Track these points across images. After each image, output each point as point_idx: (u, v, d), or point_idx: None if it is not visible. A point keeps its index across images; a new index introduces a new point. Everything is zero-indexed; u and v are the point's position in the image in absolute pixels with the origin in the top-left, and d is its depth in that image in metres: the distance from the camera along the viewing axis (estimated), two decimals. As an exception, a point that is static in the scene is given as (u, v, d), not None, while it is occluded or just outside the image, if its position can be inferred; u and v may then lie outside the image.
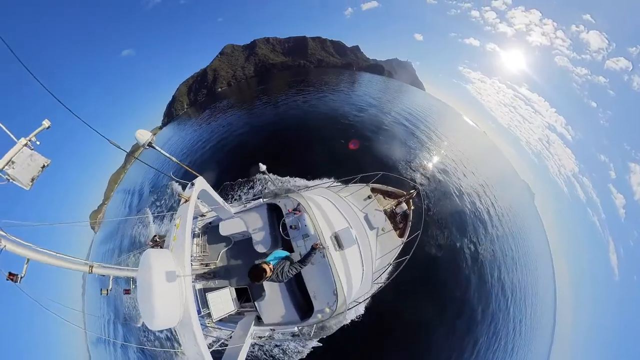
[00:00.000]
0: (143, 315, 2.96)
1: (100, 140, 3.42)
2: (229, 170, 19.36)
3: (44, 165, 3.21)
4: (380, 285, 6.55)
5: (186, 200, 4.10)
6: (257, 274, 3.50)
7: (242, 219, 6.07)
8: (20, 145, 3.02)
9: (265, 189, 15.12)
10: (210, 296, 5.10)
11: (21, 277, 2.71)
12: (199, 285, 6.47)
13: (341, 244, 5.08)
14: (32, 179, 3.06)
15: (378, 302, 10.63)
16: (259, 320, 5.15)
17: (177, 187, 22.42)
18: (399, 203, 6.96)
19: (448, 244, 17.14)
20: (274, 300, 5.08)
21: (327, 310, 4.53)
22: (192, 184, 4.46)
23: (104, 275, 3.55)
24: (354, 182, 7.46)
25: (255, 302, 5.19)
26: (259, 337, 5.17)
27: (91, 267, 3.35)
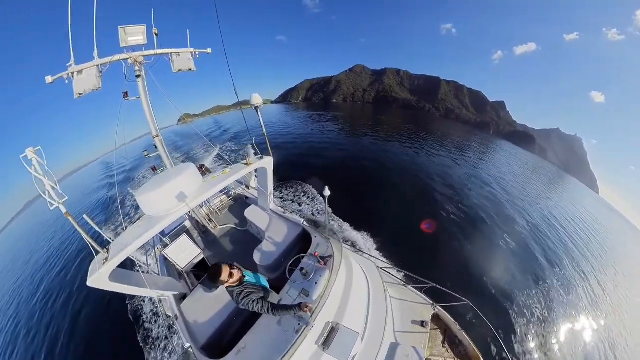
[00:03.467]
0: (143, 188, 3.65)
1: (228, 81, 4.68)
2: (294, 169, 18.42)
3: (190, 69, 4.96)
4: None
5: (247, 164, 4.47)
6: (218, 272, 2.69)
7: (271, 219, 5.66)
8: (187, 50, 4.95)
9: (317, 214, 12.75)
10: (183, 238, 4.92)
11: (127, 99, 4.48)
12: (188, 225, 6.53)
13: (329, 345, 3.15)
14: (179, 70, 4.94)
15: None
16: (181, 299, 4.54)
17: (250, 150, 25.92)
18: (460, 366, 4.11)
19: None
20: (209, 304, 4.18)
21: None
22: (261, 157, 4.77)
23: (155, 147, 5.17)
24: (417, 286, 4.94)
25: (198, 286, 4.60)
26: (165, 311, 4.43)
27: (157, 135, 5.01)
